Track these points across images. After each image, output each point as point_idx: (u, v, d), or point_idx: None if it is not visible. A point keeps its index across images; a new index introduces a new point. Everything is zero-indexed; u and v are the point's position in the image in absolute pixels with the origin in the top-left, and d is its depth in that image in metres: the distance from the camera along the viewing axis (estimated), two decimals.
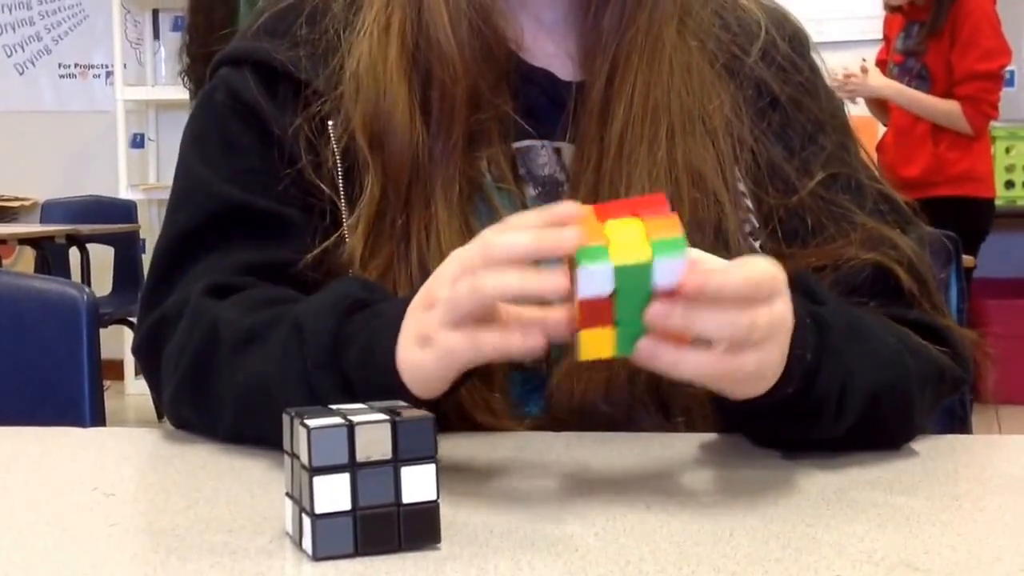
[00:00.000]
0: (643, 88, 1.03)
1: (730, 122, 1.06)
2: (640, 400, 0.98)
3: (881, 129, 4.59)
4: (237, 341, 0.93)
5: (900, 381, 0.92)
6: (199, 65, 3.84)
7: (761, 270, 0.77)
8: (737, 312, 0.74)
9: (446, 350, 0.78)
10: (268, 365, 0.89)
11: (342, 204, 1.02)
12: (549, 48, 1.09)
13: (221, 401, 0.93)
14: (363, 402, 0.70)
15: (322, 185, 1.02)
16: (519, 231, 0.75)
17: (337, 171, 1.03)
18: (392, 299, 0.89)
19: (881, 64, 4.49)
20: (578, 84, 1.07)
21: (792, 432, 0.89)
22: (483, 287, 0.75)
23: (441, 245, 0.98)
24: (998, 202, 4.58)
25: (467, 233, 0.99)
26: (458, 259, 0.79)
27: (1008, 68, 4.55)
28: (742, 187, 1.05)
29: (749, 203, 1.05)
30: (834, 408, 0.87)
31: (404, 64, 1.02)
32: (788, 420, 0.87)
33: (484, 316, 0.76)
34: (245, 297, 0.98)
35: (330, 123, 1.03)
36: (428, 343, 0.79)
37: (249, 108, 1.06)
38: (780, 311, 0.78)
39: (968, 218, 4.08)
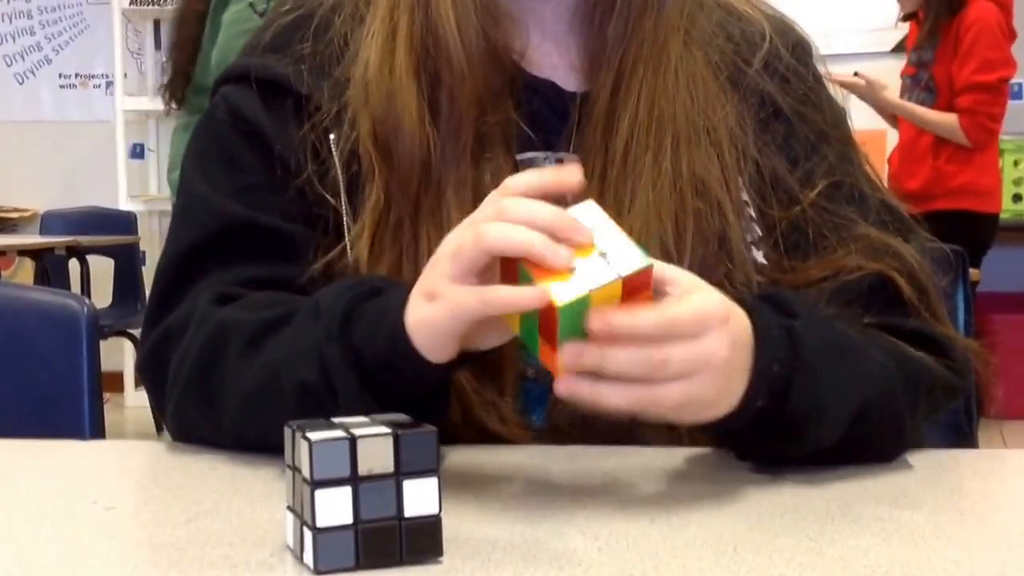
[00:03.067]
0: (648, 98, 1.03)
1: (734, 133, 1.06)
2: None
3: (891, 144, 4.58)
4: (251, 334, 0.93)
5: (886, 394, 0.92)
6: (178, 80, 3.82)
7: (686, 308, 0.78)
8: (649, 349, 0.76)
9: (454, 302, 0.78)
10: (282, 349, 0.90)
11: (344, 212, 1.02)
12: (552, 58, 1.09)
13: (229, 393, 0.93)
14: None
15: (326, 195, 1.02)
16: (539, 205, 0.77)
17: (340, 180, 1.03)
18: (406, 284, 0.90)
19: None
20: (582, 95, 1.07)
21: (773, 447, 0.89)
22: (486, 236, 0.77)
23: None
24: (1006, 215, 4.55)
25: None
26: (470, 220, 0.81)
27: (1015, 81, 4.53)
28: (745, 197, 1.05)
29: (752, 213, 1.05)
30: (815, 423, 0.87)
31: (412, 67, 1.02)
32: (766, 435, 0.87)
33: (490, 269, 0.78)
34: (252, 300, 0.98)
35: (331, 136, 1.03)
36: (435, 297, 0.80)
37: (250, 125, 1.06)
38: (708, 346, 0.78)
39: (967, 232, 4.05)
